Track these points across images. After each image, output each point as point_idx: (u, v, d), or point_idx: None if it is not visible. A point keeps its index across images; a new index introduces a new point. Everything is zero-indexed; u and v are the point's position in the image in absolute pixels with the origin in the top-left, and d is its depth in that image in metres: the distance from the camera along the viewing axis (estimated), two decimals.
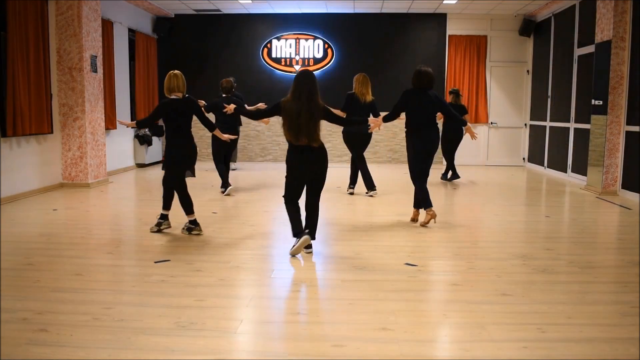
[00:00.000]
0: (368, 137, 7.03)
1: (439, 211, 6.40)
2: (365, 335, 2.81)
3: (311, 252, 4.36)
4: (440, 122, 8.35)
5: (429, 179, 5.63)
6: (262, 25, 11.16)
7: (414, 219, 5.57)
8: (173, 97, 4.87)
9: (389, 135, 11.17)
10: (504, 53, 11.06)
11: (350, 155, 7.29)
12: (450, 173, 8.83)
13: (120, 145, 9.66)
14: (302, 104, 4.14)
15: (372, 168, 7.45)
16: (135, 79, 10.05)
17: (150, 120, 5.07)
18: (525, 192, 8.12)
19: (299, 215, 4.39)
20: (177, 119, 4.88)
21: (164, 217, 5.06)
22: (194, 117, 5.01)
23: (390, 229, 5.29)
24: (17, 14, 6.48)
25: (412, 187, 5.63)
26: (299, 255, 4.38)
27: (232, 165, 9.89)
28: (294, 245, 4.30)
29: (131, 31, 9.92)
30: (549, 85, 10.01)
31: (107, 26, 8.71)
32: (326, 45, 11.11)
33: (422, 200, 5.42)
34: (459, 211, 6.54)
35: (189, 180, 5.11)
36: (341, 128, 7.35)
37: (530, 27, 10.60)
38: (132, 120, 9.69)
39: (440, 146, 7.80)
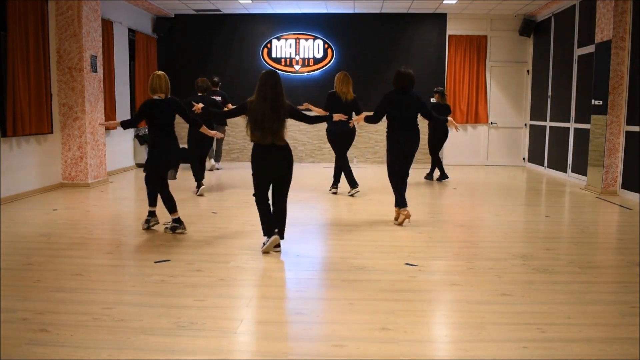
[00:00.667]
0: (351, 134, 7.01)
1: (440, 211, 6.41)
2: (365, 335, 2.81)
3: (279, 251, 4.38)
4: (425, 122, 8.43)
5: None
6: (262, 25, 11.16)
7: (397, 219, 5.56)
8: (156, 97, 4.91)
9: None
10: (504, 53, 11.06)
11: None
12: (437, 173, 8.82)
13: (120, 145, 9.66)
14: (267, 104, 4.19)
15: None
16: (135, 79, 10.05)
17: (134, 120, 5.08)
18: (525, 192, 8.12)
19: (270, 214, 4.43)
20: (160, 120, 4.90)
21: (152, 214, 5.12)
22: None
23: (390, 229, 5.29)
24: (17, 14, 6.48)
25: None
26: (299, 255, 4.38)
27: (217, 165, 9.90)
28: (264, 244, 4.35)
29: (131, 31, 9.92)
30: (549, 85, 10.01)
31: (107, 26, 8.71)
32: (326, 45, 11.11)
33: (397, 199, 5.46)
34: (459, 211, 6.54)
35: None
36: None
37: (530, 27, 10.60)
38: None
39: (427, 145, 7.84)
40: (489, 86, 11.15)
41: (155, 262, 4.06)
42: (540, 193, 8.07)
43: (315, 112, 7.01)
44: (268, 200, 4.45)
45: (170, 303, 3.24)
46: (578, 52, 8.77)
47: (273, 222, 4.41)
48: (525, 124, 11.18)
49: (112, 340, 2.71)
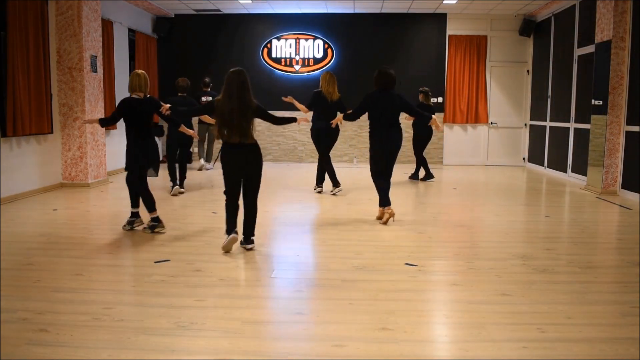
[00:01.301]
0: (334, 132, 7.07)
1: (440, 211, 6.41)
2: (365, 335, 2.81)
3: (251, 249, 4.38)
4: (410, 122, 8.45)
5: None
6: (262, 25, 11.16)
7: (381, 218, 5.56)
8: (134, 96, 4.93)
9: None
10: (504, 53, 11.06)
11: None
12: (423, 173, 8.82)
13: (120, 145, 9.61)
14: (233, 103, 4.19)
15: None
16: None
17: (112, 118, 5.04)
18: (525, 192, 8.12)
19: (236, 214, 4.43)
20: (137, 119, 4.90)
21: (135, 215, 5.14)
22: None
23: (390, 229, 5.29)
24: (17, 14, 6.48)
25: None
26: (298, 255, 4.38)
27: (207, 165, 9.89)
28: (224, 242, 4.36)
29: (131, 31, 9.92)
30: (549, 85, 10.01)
31: (107, 26, 8.71)
32: (326, 45, 11.11)
33: (381, 199, 5.48)
34: (459, 211, 6.54)
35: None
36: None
37: (530, 27, 10.59)
38: None
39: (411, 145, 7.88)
40: (489, 86, 11.15)
41: (155, 262, 4.06)
42: (540, 193, 8.07)
43: (299, 107, 7.17)
44: (238, 199, 4.44)
45: (170, 303, 3.24)
46: (578, 52, 8.76)
47: (236, 221, 4.41)
48: (525, 124, 11.18)
49: (112, 340, 2.71)
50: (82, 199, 6.83)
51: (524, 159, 11.27)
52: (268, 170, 10.04)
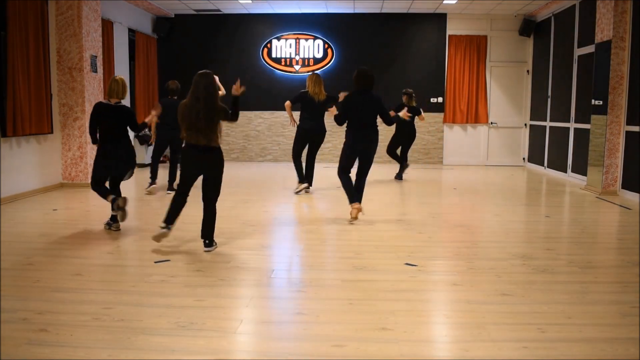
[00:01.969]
0: (321, 135, 7.19)
1: (440, 211, 6.41)
2: (365, 335, 2.81)
3: (209, 251, 4.34)
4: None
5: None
6: (262, 25, 11.17)
7: (360, 211, 5.56)
8: (104, 101, 4.99)
9: (388, 135, 11.15)
10: (504, 53, 11.06)
11: (305, 153, 7.36)
12: (401, 172, 8.85)
13: None
14: (200, 105, 4.18)
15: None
16: (135, 79, 10.05)
17: (89, 127, 5.03)
18: (525, 192, 8.12)
19: (179, 209, 4.42)
20: (106, 124, 4.93)
21: (114, 219, 5.11)
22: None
23: (391, 229, 5.29)
24: (17, 14, 6.48)
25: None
26: (298, 255, 4.38)
27: None
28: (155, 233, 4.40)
29: (131, 31, 9.92)
30: (549, 85, 10.00)
31: (107, 26, 8.71)
32: (326, 45, 11.11)
33: (349, 196, 5.50)
34: (459, 211, 6.54)
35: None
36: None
37: (530, 27, 10.59)
38: None
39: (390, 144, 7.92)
40: (489, 86, 11.15)
41: (155, 262, 4.05)
42: (540, 193, 8.07)
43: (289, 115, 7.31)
44: (186, 197, 4.43)
45: (170, 303, 3.24)
46: (578, 52, 8.76)
47: (175, 217, 4.41)
48: (525, 124, 11.18)
49: (112, 340, 2.71)
50: (82, 199, 6.82)
51: (524, 159, 11.27)
52: (268, 170, 10.05)
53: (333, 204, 6.63)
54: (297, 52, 11.17)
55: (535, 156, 10.75)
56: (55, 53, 7.44)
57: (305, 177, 7.40)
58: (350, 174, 5.60)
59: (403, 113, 5.60)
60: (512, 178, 9.44)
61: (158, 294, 3.40)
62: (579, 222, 5.87)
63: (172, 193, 7.11)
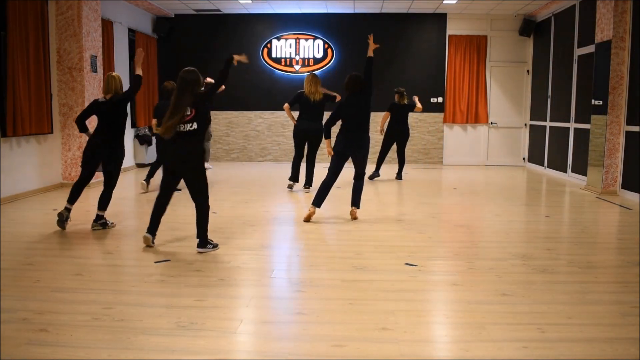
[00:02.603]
0: (319, 135, 7.20)
1: (440, 211, 6.41)
2: (365, 335, 2.81)
3: (201, 252, 4.33)
4: (385, 123, 8.61)
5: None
6: (262, 25, 11.17)
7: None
8: (102, 99, 5.06)
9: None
10: (504, 53, 11.06)
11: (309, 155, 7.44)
12: (401, 171, 8.87)
13: None
14: (172, 99, 4.26)
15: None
16: None
17: (80, 114, 5.13)
18: (525, 192, 8.12)
19: (161, 212, 4.44)
20: (101, 121, 5.03)
21: (100, 218, 5.16)
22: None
23: (391, 229, 5.29)
24: (17, 14, 6.48)
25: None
26: (298, 255, 4.38)
27: (206, 165, 9.90)
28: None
29: (131, 31, 9.92)
30: (549, 85, 10.01)
31: (107, 26, 8.71)
32: (326, 45, 11.11)
33: (316, 195, 5.53)
34: (459, 211, 6.54)
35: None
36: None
37: (530, 27, 10.59)
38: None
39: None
40: (489, 86, 11.15)
41: (155, 262, 4.05)
42: (540, 193, 8.07)
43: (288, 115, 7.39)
44: (169, 197, 4.45)
45: (170, 303, 3.24)
46: (578, 52, 8.76)
47: (155, 221, 4.43)
48: (525, 124, 11.18)
49: (112, 340, 2.71)
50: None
51: (524, 159, 11.27)
52: (268, 170, 10.05)
53: (333, 204, 6.62)
54: (297, 52, 11.17)
55: (535, 156, 10.75)
56: (55, 53, 7.44)
57: (306, 177, 7.42)
58: (334, 180, 5.55)
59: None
60: (512, 178, 9.44)
61: (158, 294, 3.40)
62: (579, 222, 5.87)
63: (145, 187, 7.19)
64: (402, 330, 2.87)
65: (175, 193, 7.15)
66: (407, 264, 4.08)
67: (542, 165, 10.29)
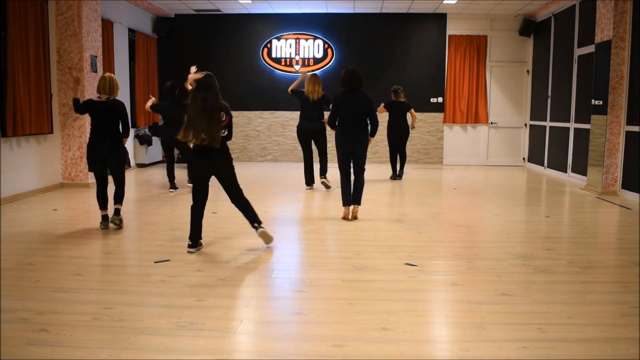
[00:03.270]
0: (320, 134, 7.30)
1: (440, 211, 6.41)
2: (365, 335, 2.81)
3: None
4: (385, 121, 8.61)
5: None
6: (262, 25, 11.16)
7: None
8: (94, 98, 5.10)
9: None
10: (504, 53, 11.06)
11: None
12: (402, 168, 8.93)
13: None
14: (200, 105, 4.18)
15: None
16: (135, 79, 10.05)
17: (80, 106, 5.16)
18: (525, 192, 8.12)
19: (200, 220, 4.45)
20: (95, 120, 5.05)
21: (104, 218, 5.19)
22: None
23: (391, 229, 5.29)
24: (17, 14, 6.48)
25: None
26: (298, 255, 4.38)
27: None
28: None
29: (131, 31, 9.92)
30: (549, 85, 10.00)
31: (107, 26, 8.71)
32: (326, 45, 11.11)
33: (343, 198, 5.59)
34: (459, 211, 6.53)
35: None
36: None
37: (530, 27, 10.59)
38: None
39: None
40: (489, 86, 11.14)
41: (155, 262, 4.05)
42: (540, 193, 8.07)
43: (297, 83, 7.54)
44: (204, 204, 4.44)
45: (170, 303, 3.24)
46: (578, 52, 8.76)
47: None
48: (525, 124, 11.18)
49: (112, 340, 2.71)
50: (82, 199, 6.82)
51: (524, 159, 11.27)
52: (268, 170, 10.05)
53: (333, 203, 6.62)
54: (297, 52, 11.17)
55: (535, 156, 10.75)
56: (55, 53, 7.44)
57: (320, 168, 7.55)
58: (350, 177, 5.63)
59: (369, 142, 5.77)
60: (512, 178, 9.44)
61: (158, 294, 3.40)
62: (579, 222, 5.87)
63: (175, 191, 7.23)
64: (402, 330, 2.87)
65: (175, 193, 7.24)
66: (407, 264, 4.08)
67: (542, 165, 10.29)
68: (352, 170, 5.65)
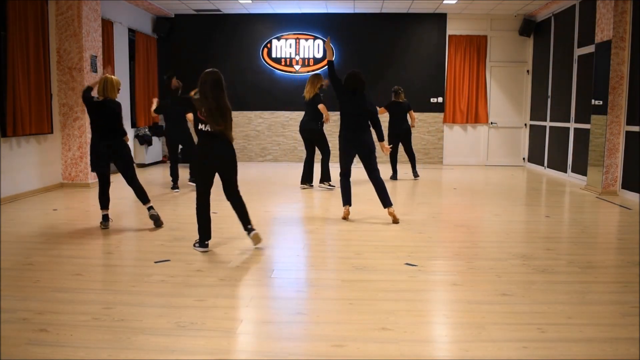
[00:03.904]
0: (315, 133, 7.36)
1: (440, 211, 6.41)
2: (365, 335, 2.81)
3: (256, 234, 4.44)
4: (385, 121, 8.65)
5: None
6: (262, 25, 11.16)
7: (345, 217, 5.62)
8: (96, 98, 5.13)
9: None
10: (504, 53, 11.06)
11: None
12: (414, 167, 9.02)
13: None
14: (210, 103, 4.20)
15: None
16: (135, 79, 10.05)
17: (86, 97, 5.21)
18: (525, 192, 8.12)
19: (209, 219, 4.49)
20: (93, 119, 5.11)
21: (105, 218, 5.22)
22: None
23: (391, 229, 5.29)
24: (17, 14, 6.48)
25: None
26: (298, 255, 4.38)
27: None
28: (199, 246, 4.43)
29: (131, 31, 9.92)
30: (549, 85, 10.00)
31: (107, 26, 8.71)
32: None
33: (343, 198, 5.63)
34: (459, 211, 6.53)
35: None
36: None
37: (530, 27, 10.59)
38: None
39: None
40: (489, 86, 11.14)
41: (155, 262, 4.05)
42: (540, 193, 8.07)
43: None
44: (208, 198, 4.45)
45: (170, 303, 3.24)
46: (578, 52, 8.76)
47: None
48: (525, 124, 11.18)
49: (112, 340, 2.71)
50: (82, 199, 6.82)
51: (524, 159, 11.27)
52: (268, 170, 10.05)
53: (333, 203, 6.62)
54: (297, 52, 11.17)
55: (535, 156, 10.75)
56: (55, 53, 7.44)
57: (321, 173, 7.59)
58: (350, 177, 5.65)
59: (383, 147, 5.78)
60: (512, 178, 9.44)
61: (158, 294, 3.40)
62: (579, 222, 5.87)
63: (177, 191, 7.24)
64: (402, 330, 2.87)
65: (175, 192, 7.25)
66: (407, 264, 4.08)
67: (542, 165, 10.29)
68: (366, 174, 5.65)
